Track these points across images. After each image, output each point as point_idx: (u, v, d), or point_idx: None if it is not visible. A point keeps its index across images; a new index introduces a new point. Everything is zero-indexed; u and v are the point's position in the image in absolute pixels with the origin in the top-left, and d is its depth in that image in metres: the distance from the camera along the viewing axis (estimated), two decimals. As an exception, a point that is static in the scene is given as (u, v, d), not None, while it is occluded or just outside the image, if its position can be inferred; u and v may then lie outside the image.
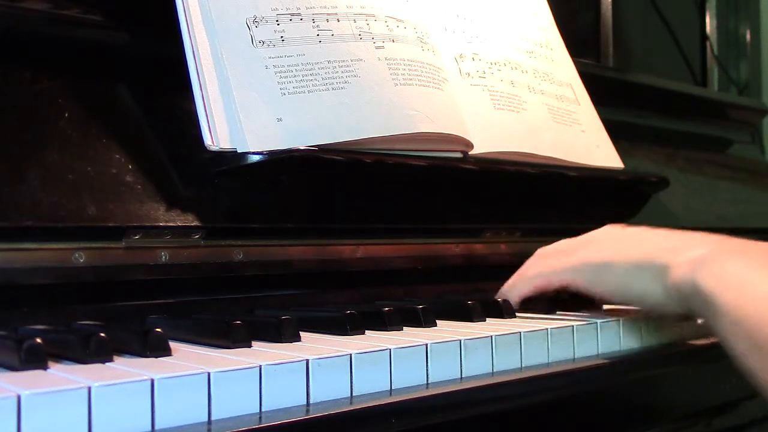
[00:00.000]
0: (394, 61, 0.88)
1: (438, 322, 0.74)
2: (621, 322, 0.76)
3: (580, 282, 0.79)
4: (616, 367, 0.73)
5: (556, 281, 0.81)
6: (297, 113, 0.79)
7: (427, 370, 0.61)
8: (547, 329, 0.70)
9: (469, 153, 0.94)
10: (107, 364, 0.53)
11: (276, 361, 0.53)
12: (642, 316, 0.78)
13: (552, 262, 0.82)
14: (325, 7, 0.86)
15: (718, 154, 1.68)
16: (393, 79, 0.86)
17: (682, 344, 0.81)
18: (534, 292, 0.83)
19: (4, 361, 0.52)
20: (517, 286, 0.84)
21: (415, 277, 0.95)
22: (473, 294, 0.91)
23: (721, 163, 1.64)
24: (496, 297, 0.84)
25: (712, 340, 0.81)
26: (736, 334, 0.62)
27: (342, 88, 0.83)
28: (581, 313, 0.81)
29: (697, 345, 0.81)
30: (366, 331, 0.68)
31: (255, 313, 0.82)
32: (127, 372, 0.50)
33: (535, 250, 0.89)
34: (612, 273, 0.76)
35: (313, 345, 0.61)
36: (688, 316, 0.77)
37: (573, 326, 0.72)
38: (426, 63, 0.91)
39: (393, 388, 0.59)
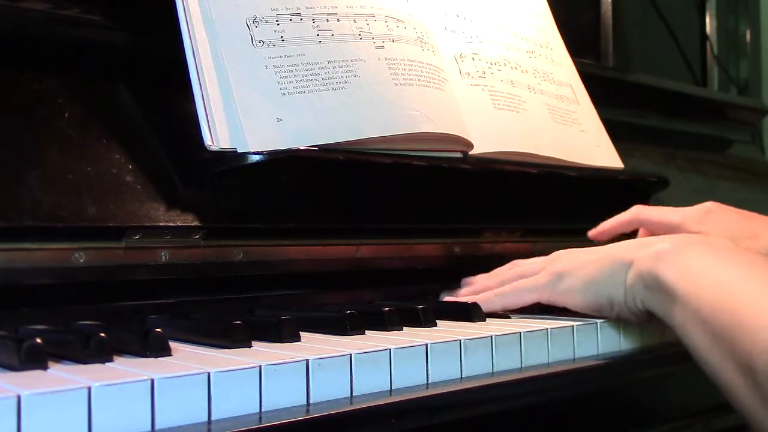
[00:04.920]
0: (394, 61, 0.88)
1: (438, 322, 0.74)
2: (621, 322, 0.76)
3: (549, 294, 0.79)
4: (616, 367, 0.73)
5: (526, 298, 0.81)
6: (297, 113, 0.79)
7: (427, 370, 0.61)
8: (547, 329, 0.70)
9: (469, 153, 0.94)
10: (107, 364, 0.54)
11: (276, 361, 0.53)
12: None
13: (521, 282, 0.81)
14: (325, 7, 0.86)
15: (718, 154, 1.68)
16: (393, 79, 0.86)
17: (682, 344, 0.80)
18: (504, 309, 0.82)
19: (4, 361, 0.52)
20: (489, 304, 0.82)
21: (416, 278, 0.95)
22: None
23: (721, 163, 1.64)
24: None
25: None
26: (694, 323, 0.63)
27: (342, 88, 0.83)
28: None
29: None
30: (366, 331, 0.68)
31: (255, 313, 0.82)
32: (127, 372, 0.50)
33: (535, 249, 0.89)
34: (577, 279, 0.76)
35: (313, 345, 0.61)
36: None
37: (573, 326, 0.72)
38: (426, 63, 0.91)
39: (393, 388, 0.59)
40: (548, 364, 0.70)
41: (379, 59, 0.87)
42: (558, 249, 0.85)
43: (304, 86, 0.81)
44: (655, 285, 0.68)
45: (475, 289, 0.88)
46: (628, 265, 0.71)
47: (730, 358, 0.59)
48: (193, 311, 0.78)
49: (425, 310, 0.73)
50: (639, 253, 0.71)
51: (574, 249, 0.81)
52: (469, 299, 0.83)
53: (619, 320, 0.76)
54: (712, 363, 0.61)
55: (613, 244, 0.77)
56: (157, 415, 0.48)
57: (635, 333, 0.77)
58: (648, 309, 0.71)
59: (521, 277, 0.83)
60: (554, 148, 1.05)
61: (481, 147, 0.95)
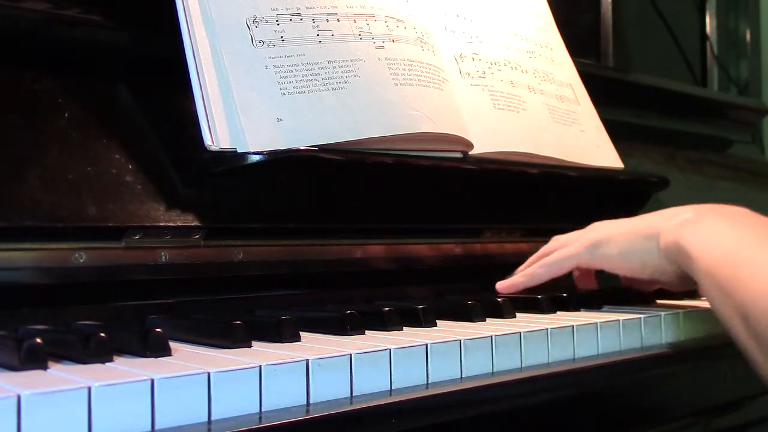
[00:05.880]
0: (394, 61, 0.88)
1: (438, 322, 0.74)
2: (621, 322, 0.76)
3: (588, 259, 0.88)
4: (615, 367, 0.73)
5: (567, 265, 0.90)
6: (297, 113, 0.79)
7: (427, 370, 0.61)
8: (547, 329, 0.70)
9: (469, 153, 0.94)
10: (107, 364, 0.54)
11: (276, 361, 0.53)
12: (641, 316, 0.79)
13: (561, 251, 0.91)
14: (325, 7, 0.86)
15: (718, 154, 1.68)
16: (393, 79, 0.86)
17: (682, 344, 0.81)
18: (550, 278, 0.91)
19: (4, 361, 0.52)
20: (536, 276, 0.91)
21: (415, 277, 0.95)
22: (473, 294, 0.91)
23: (721, 163, 1.64)
24: (510, 289, 0.91)
25: (710, 341, 0.81)
26: (708, 281, 0.72)
27: (342, 88, 0.83)
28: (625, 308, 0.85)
29: (696, 345, 0.81)
30: (366, 331, 0.68)
31: (255, 313, 0.82)
32: (127, 372, 0.50)
33: (535, 250, 0.90)
34: (614, 245, 0.86)
35: (313, 345, 0.61)
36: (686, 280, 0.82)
37: (573, 326, 0.72)
38: (426, 63, 0.91)
39: (393, 388, 0.59)
40: (548, 364, 0.70)
41: (379, 59, 0.87)
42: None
43: (304, 86, 0.81)
44: (677, 251, 0.77)
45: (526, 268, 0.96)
46: (657, 236, 0.81)
47: (732, 305, 0.67)
48: (193, 311, 0.78)
49: (425, 310, 0.73)
50: (666, 223, 0.80)
51: (608, 221, 0.90)
52: (519, 277, 0.92)
53: (652, 278, 0.85)
54: (720, 310, 0.70)
55: (642, 216, 0.87)
56: (157, 415, 0.48)
57: (635, 333, 0.77)
58: (681, 269, 0.79)
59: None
60: (554, 148, 1.05)
61: (481, 147, 0.95)
